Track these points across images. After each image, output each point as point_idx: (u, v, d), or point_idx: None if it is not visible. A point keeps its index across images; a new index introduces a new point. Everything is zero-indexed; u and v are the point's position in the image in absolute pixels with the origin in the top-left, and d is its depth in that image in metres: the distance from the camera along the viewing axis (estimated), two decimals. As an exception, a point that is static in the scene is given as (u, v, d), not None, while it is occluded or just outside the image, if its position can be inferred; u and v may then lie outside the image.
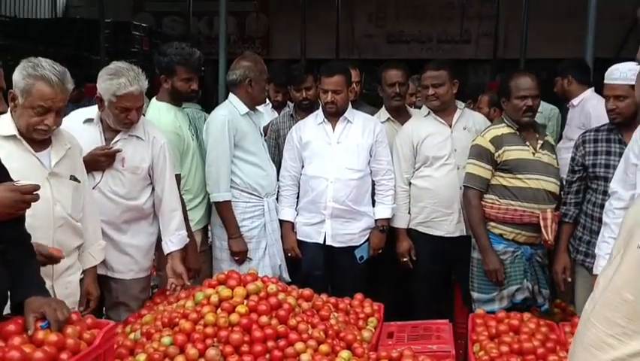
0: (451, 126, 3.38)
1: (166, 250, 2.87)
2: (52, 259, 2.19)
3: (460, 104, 3.52)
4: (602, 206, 2.80)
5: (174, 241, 2.86)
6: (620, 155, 2.74)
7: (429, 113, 3.42)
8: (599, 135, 2.96)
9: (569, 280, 3.07)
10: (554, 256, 3.12)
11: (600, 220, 2.78)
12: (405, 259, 3.42)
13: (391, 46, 12.08)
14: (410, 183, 3.43)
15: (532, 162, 3.03)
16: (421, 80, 3.45)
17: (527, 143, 3.06)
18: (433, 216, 3.36)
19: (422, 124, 3.42)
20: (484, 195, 3.09)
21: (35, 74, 2.19)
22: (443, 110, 3.38)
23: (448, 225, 3.34)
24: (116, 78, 2.60)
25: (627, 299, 1.10)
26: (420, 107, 3.92)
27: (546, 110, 4.93)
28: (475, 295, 3.14)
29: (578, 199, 3.03)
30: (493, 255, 3.02)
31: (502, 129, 3.09)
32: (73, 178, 2.44)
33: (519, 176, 3.01)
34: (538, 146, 3.07)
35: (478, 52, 11.73)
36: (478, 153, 3.09)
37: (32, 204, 1.92)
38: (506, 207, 3.02)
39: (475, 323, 2.75)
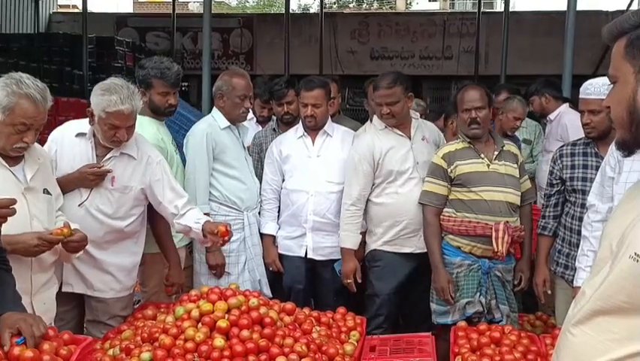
0: (410, 138, 3.28)
1: (197, 230, 2.74)
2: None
3: (416, 114, 3.42)
4: (580, 219, 2.83)
5: (198, 220, 2.75)
6: (597, 168, 2.78)
7: (385, 126, 3.29)
8: (576, 149, 3.00)
9: (549, 292, 3.10)
10: (534, 269, 3.14)
11: (579, 233, 2.81)
12: (349, 281, 3.23)
13: (374, 62, 12.21)
14: (369, 201, 3.26)
15: (486, 174, 3.01)
16: (374, 97, 3.28)
17: (482, 155, 3.05)
18: (402, 233, 3.22)
19: (381, 137, 3.26)
20: (444, 210, 3.09)
21: (20, 92, 2.15)
22: (400, 124, 3.29)
23: (418, 240, 3.20)
24: (108, 94, 2.55)
25: (620, 306, 1.12)
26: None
27: (530, 126, 5.06)
28: (433, 306, 3.12)
29: (557, 212, 3.07)
30: (441, 273, 3.00)
31: (456, 145, 3.11)
32: (46, 192, 2.40)
33: (473, 189, 3.00)
34: (494, 157, 3.05)
35: (460, 68, 11.91)
36: (432, 171, 3.11)
37: (10, 220, 1.89)
38: (461, 219, 3.02)
39: (456, 335, 2.75)
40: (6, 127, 2.18)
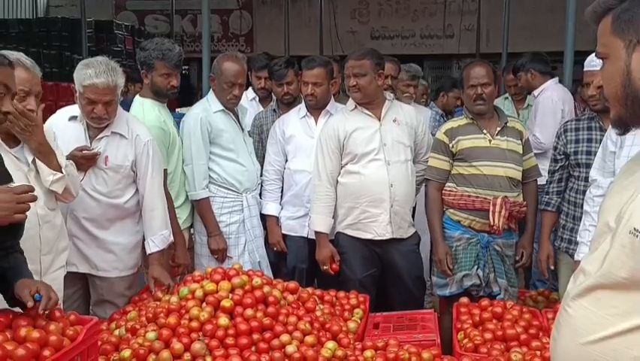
0: (380, 119, 3.17)
1: (147, 250, 2.84)
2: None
3: (390, 96, 3.33)
4: (584, 193, 2.84)
5: (156, 241, 2.81)
6: (601, 142, 2.78)
7: (355, 107, 3.19)
8: (580, 124, 3.01)
9: (552, 267, 3.11)
10: (538, 245, 3.15)
11: (582, 207, 2.82)
12: (325, 267, 3.19)
13: (375, 42, 12.09)
14: (337, 182, 3.20)
15: (487, 149, 3.02)
16: (344, 69, 3.22)
17: (484, 131, 3.05)
18: (362, 217, 3.14)
19: (349, 118, 3.19)
20: (447, 184, 3.10)
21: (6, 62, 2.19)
22: (370, 103, 3.17)
23: (378, 226, 3.12)
24: (85, 69, 2.59)
25: (620, 282, 1.12)
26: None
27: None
28: (433, 278, 3.17)
29: (560, 188, 3.08)
30: (440, 246, 3.04)
31: (458, 121, 3.11)
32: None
33: (474, 164, 3.01)
34: (496, 132, 3.05)
35: (461, 46, 11.79)
36: (435, 146, 3.14)
37: None
38: (461, 193, 3.04)
39: (459, 311, 2.78)
40: None
